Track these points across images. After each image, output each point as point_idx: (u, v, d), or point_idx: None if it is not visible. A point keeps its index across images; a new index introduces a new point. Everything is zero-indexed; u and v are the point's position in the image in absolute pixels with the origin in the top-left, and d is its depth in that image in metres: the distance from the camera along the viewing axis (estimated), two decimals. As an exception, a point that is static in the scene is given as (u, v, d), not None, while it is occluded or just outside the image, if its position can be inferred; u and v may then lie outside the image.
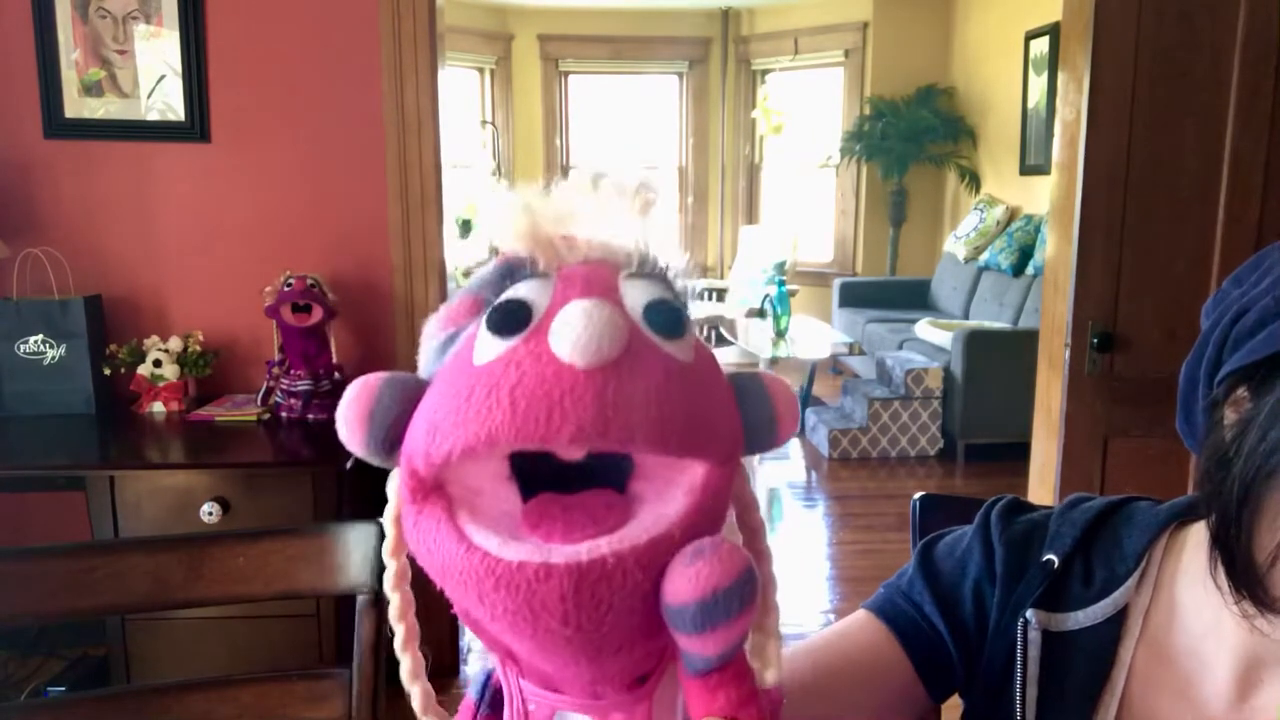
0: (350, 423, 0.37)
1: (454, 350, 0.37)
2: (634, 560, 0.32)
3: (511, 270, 0.38)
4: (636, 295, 0.36)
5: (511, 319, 0.34)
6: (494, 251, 0.40)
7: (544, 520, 0.34)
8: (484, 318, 0.35)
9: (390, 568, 0.41)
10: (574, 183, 0.38)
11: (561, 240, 0.37)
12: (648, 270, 0.38)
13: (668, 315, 0.36)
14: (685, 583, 0.32)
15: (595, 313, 0.32)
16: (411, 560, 0.38)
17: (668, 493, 0.35)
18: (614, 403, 0.32)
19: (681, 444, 0.34)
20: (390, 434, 0.36)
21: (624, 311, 0.35)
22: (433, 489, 0.35)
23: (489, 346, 0.34)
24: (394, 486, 0.39)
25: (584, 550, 0.32)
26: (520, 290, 0.36)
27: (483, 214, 0.38)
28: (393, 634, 0.42)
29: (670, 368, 0.34)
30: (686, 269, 0.41)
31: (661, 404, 0.33)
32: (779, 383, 0.40)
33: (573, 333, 0.32)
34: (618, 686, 0.38)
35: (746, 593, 0.32)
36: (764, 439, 0.39)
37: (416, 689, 0.41)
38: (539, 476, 0.36)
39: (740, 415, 0.38)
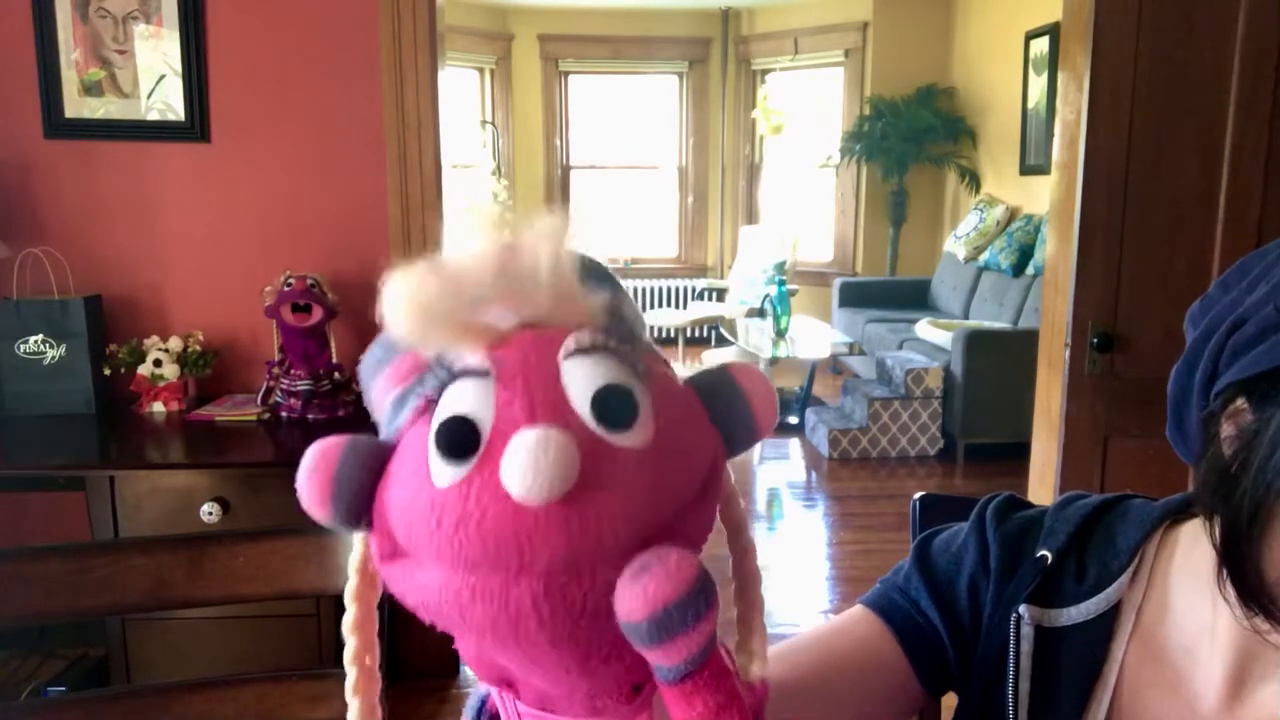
0: (313, 501, 0.36)
1: (408, 430, 0.36)
2: (601, 557, 0.32)
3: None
4: (580, 386, 0.34)
5: (459, 445, 0.33)
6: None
7: None
8: (431, 432, 0.34)
9: (350, 611, 0.41)
10: (477, 258, 0.35)
11: (483, 332, 0.35)
12: (588, 343, 0.35)
13: (615, 405, 0.34)
14: (634, 600, 0.31)
15: (542, 456, 0.31)
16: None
17: None
18: (580, 534, 0.32)
19: (657, 524, 0.34)
20: (354, 506, 0.36)
21: (568, 412, 0.33)
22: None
23: (443, 470, 0.33)
24: (360, 535, 0.39)
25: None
26: (460, 399, 0.34)
27: (385, 307, 0.34)
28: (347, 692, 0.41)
29: (628, 464, 0.33)
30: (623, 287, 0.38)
31: (627, 509, 0.33)
32: (752, 376, 0.39)
33: (524, 477, 0.31)
34: (616, 697, 0.37)
35: (701, 602, 0.32)
36: (746, 438, 0.39)
37: None
38: None
39: (716, 418, 0.38)
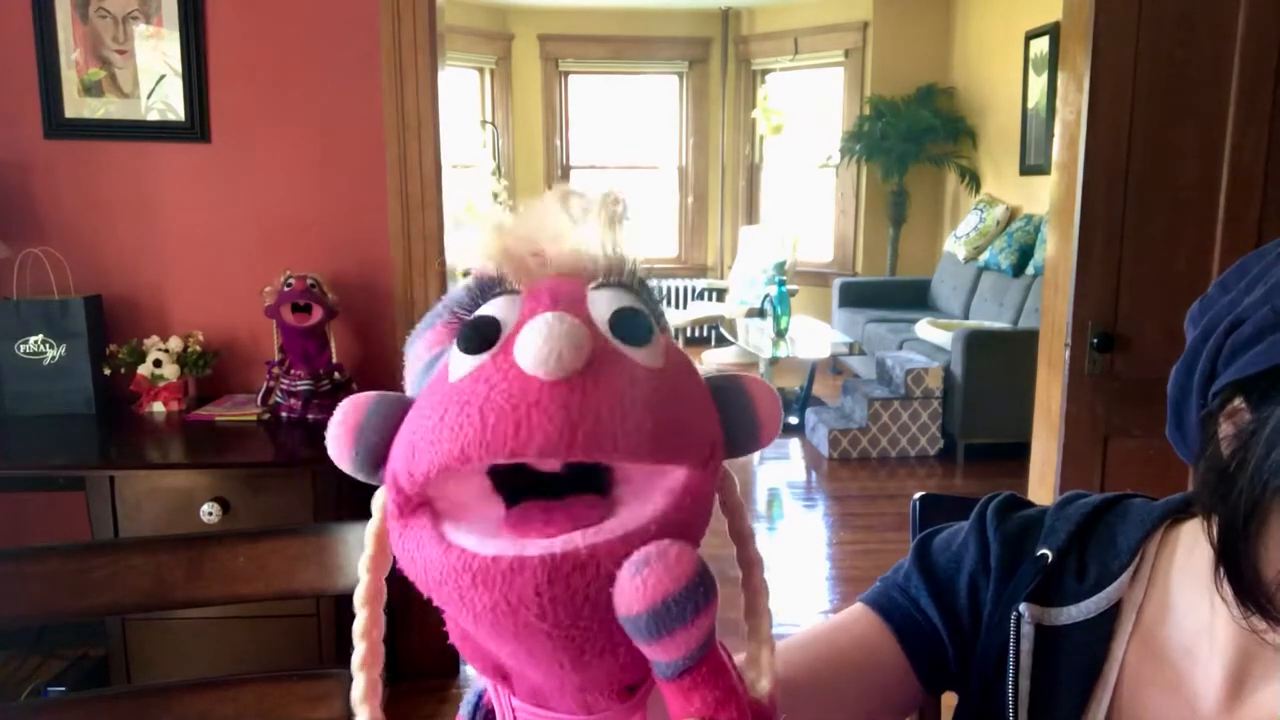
0: (338, 440, 0.38)
1: (434, 371, 0.37)
2: (607, 551, 0.32)
3: (484, 288, 0.38)
4: (603, 305, 0.36)
5: (480, 336, 0.35)
6: (467, 272, 0.41)
7: (523, 522, 0.35)
8: (456, 336, 0.36)
9: (363, 582, 0.41)
10: (542, 201, 0.39)
11: (531, 257, 0.38)
12: (615, 280, 0.38)
13: (633, 322, 0.36)
14: (633, 592, 0.32)
15: (556, 325, 0.33)
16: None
17: (646, 494, 0.35)
18: (579, 413, 0.32)
19: (652, 449, 0.34)
20: (375, 452, 0.37)
21: (588, 322, 0.35)
22: (419, 504, 0.35)
23: (461, 364, 0.35)
24: (379, 503, 0.39)
25: (558, 543, 0.33)
26: (490, 308, 0.37)
27: (455, 238, 0.39)
28: (353, 649, 0.41)
29: (637, 374, 0.35)
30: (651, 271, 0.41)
31: (628, 411, 0.33)
32: (760, 385, 0.40)
33: (534, 346, 0.33)
34: (608, 695, 0.37)
35: (700, 597, 0.32)
36: (747, 441, 0.40)
37: (364, 712, 0.41)
38: (525, 491, 0.36)
39: (721, 418, 0.38)
